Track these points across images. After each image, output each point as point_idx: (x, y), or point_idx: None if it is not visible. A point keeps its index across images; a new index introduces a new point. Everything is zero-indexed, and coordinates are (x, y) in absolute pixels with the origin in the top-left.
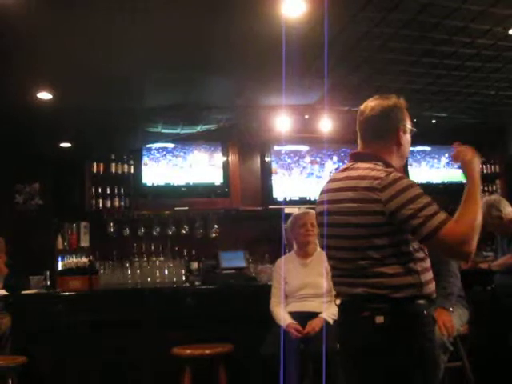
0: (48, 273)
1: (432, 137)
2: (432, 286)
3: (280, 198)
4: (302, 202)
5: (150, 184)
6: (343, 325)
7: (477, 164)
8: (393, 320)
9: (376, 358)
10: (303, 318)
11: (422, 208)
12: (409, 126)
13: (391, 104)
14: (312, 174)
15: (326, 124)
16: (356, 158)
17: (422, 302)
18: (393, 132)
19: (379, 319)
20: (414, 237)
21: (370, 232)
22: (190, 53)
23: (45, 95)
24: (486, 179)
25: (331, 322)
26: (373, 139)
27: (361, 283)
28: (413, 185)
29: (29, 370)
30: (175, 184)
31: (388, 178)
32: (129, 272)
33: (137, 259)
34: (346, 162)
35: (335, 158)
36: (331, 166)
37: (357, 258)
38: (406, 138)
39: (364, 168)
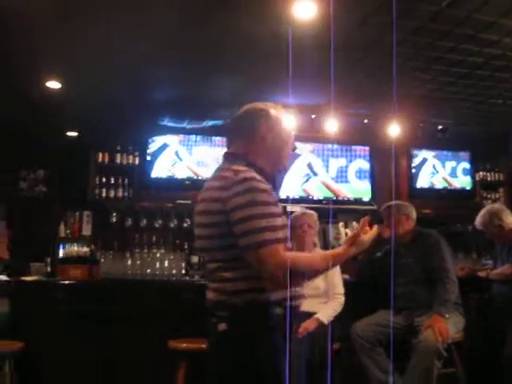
0: (49, 260)
1: (437, 142)
2: (282, 293)
3: (283, 196)
4: (304, 200)
5: (153, 176)
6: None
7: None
8: (235, 327)
9: (219, 365)
10: (299, 317)
11: (258, 216)
12: (281, 136)
13: (259, 108)
14: (315, 173)
15: (333, 124)
16: (225, 158)
17: (266, 309)
18: (255, 132)
19: (221, 326)
20: (241, 242)
21: (215, 232)
22: (201, 49)
23: (54, 84)
24: (490, 187)
25: (326, 322)
26: (238, 138)
27: (211, 288)
28: (261, 190)
29: (26, 356)
30: (179, 177)
31: (235, 177)
32: (129, 263)
33: (137, 250)
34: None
35: (341, 159)
36: (335, 165)
37: (209, 259)
38: (274, 143)
39: (225, 168)
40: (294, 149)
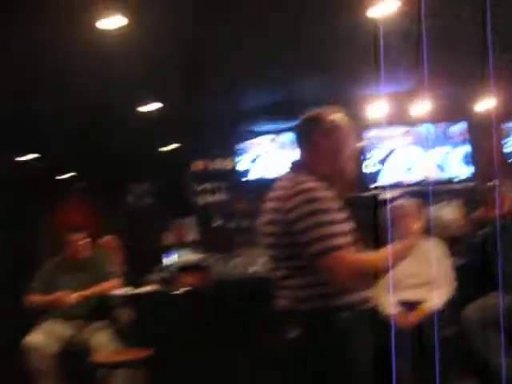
0: (161, 268)
1: None
2: (349, 298)
3: (373, 184)
4: (399, 185)
5: (252, 178)
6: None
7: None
8: (305, 334)
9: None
10: (408, 307)
11: (322, 224)
12: (338, 141)
13: (312, 116)
14: (415, 165)
15: (428, 107)
16: (290, 167)
17: (335, 314)
18: (311, 140)
19: (292, 333)
20: (305, 251)
21: (279, 242)
22: (291, 50)
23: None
24: None
25: (434, 311)
26: (299, 148)
27: (281, 295)
28: (319, 199)
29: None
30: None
31: (294, 187)
32: (239, 263)
33: (245, 250)
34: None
35: (442, 147)
36: (437, 153)
37: (276, 267)
38: (332, 148)
39: (287, 178)
40: (357, 152)
